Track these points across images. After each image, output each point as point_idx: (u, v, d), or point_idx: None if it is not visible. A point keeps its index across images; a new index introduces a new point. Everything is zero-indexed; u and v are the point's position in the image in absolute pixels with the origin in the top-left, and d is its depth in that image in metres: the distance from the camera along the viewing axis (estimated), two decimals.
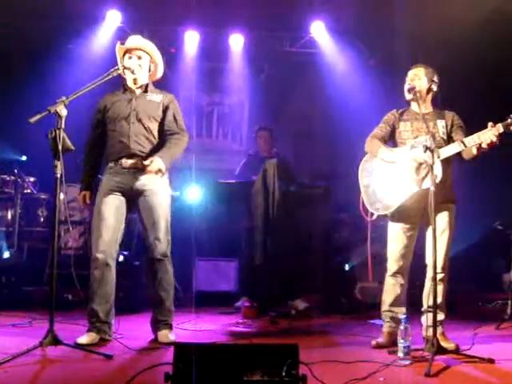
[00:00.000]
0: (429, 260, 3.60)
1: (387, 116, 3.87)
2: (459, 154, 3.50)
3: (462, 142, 3.39)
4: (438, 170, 3.38)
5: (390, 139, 3.84)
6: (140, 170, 3.69)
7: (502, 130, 3.24)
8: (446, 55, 6.41)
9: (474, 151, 3.39)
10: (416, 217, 3.69)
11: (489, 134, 3.26)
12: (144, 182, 3.72)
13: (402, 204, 3.62)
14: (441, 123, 3.67)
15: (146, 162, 3.62)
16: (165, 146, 3.76)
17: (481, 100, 6.17)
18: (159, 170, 3.64)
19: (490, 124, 3.28)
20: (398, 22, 6.41)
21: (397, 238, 3.72)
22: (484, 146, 3.30)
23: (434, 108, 3.80)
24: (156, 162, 3.61)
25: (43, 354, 3.17)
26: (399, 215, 3.69)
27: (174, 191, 4.43)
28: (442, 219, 3.61)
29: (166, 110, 3.84)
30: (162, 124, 3.83)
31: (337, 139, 7.07)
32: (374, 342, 3.65)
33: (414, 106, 3.80)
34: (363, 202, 3.83)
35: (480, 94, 6.38)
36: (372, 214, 3.79)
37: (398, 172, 3.65)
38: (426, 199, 3.36)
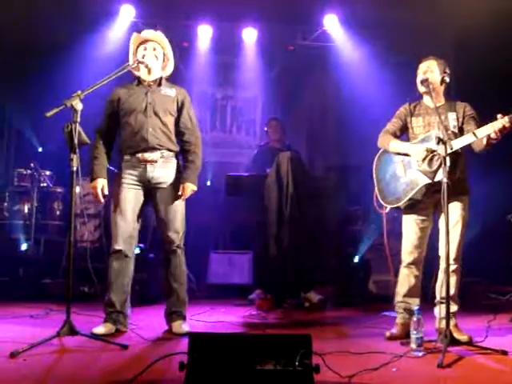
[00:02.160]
0: (442, 252, 3.61)
1: (399, 110, 3.89)
2: (470, 145, 3.50)
3: (474, 134, 3.38)
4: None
5: (403, 134, 3.86)
6: (156, 163, 3.74)
7: (508, 122, 3.23)
8: (460, 49, 6.40)
9: (484, 142, 3.38)
10: (429, 208, 3.71)
11: (498, 125, 3.26)
12: (161, 175, 3.76)
13: (413, 196, 3.63)
14: (452, 116, 3.66)
15: (179, 193, 3.77)
16: (188, 162, 3.87)
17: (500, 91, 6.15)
18: (193, 191, 3.82)
19: (499, 116, 3.28)
20: (413, 15, 6.36)
21: (410, 229, 3.74)
22: (493, 135, 3.29)
23: (446, 100, 3.80)
24: (187, 190, 3.78)
25: (60, 344, 3.24)
26: (412, 207, 3.71)
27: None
28: (455, 211, 3.61)
29: (181, 106, 3.88)
30: (177, 120, 3.87)
31: (349, 132, 7.06)
32: (387, 334, 3.67)
33: (426, 99, 3.80)
34: (377, 196, 3.86)
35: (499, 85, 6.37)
36: (386, 207, 3.82)
37: (409, 165, 3.67)
38: (438, 191, 3.37)
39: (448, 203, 3.30)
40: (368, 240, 5.65)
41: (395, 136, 3.82)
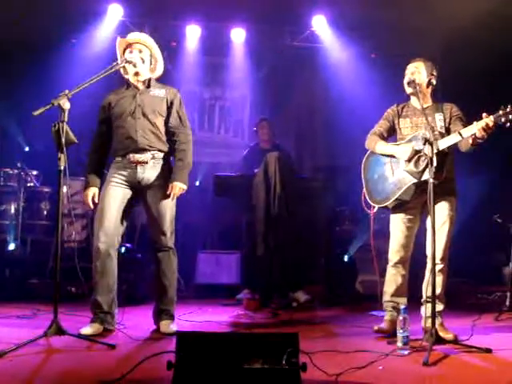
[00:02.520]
0: (429, 251, 3.65)
1: (387, 112, 3.93)
2: (457, 145, 3.53)
3: (459, 133, 3.41)
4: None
5: (391, 135, 3.89)
6: (146, 164, 3.74)
7: (492, 120, 3.26)
8: (448, 50, 6.45)
9: (470, 141, 3.42)
10: (416, 208, 3.75)
11: (482, 124, 3.29)
12: (150, 176, 3.76)
13: (400, 195, 3.66)
14: (439, 117, 3.70)
15: (167, 193, 3.73)
16: (176, 161, 3.85)
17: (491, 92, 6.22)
18: (182, 189, 3.78)
19: (484, 115, 3.31)
20: (401, 16, 6.41)
21: (398, 228, 3.78)
22: (478, 135, 3.33)
23: (433, 102, 3.83)
24: (175, 189, 3.74)
25: (47, 344, 3.23)
26: (400, 207, 3.75)
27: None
28: (442, 211, 3.65)
29: (170, 106, 3.88)
30: (167, 119, 3.87)
31: (338, 133, 7.09)
32: (375, 327, 3.72)
33: (413, 100, 3.84)
34: (365, 196, 3.89)
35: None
36: (374, 207, 3.85)
37: (397, 165, 3.71)
38: (425, 191, 3.39)
39: (435, 203, 3.34)
40: (357, 240, 5.69)
41: (382, 138, 3.85)
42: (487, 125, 3.26)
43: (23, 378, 2.61)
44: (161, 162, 3.81)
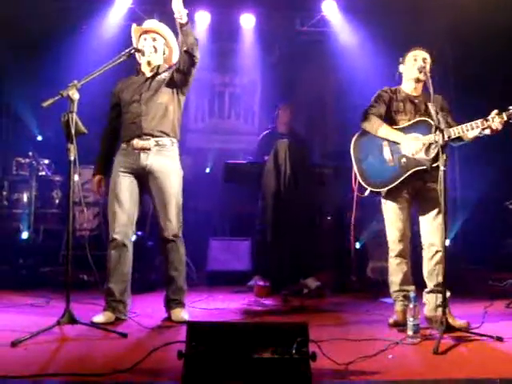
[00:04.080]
0: (425, 241, 3.68)
1: (380, 94, 3.85)
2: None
3: (483, 121, 3.41)
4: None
5: (386, 117, 3.84)
6: (149, 150, 3.74)
7: (505, 118, 3.32)
8: (457, 33, 6.36)
9: (476, 133, 3.45)
10: (409, 194, 3.73)
11: (495, 122, 3.32)
12: (154, 162, 3.76)
13: (400, 182, 3.65)
14: (432, 107, 3.65)
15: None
16: None
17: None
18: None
19: (495, 112, 3.34)
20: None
21: (395, 218, 3.75)
22: (489, 132, 3.35)
23: (423, 92, 3.83)
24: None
25: (61, 333, 3.27)
26: (395, 194, 3.72)
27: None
28: (437, 200, 3.60)
29: (172, 70, 3.86)
30: (173, 81, 3.83)
31: (348, 119, 7.02)
32: (391, 321, 3.69)
33: (406, 86, 3.83)
34: (355, 176, 3.84)
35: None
36: (364, 190, 3.80)
37: (397, 150, 3.68)
38: (419, 179, 3.47)
39: (430, 191, 3.35)
40: (369, 226, 5.67)
41: (382, 119, 3.78)
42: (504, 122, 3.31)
43: (38, 366, 2.65)
44: (166, 149, 3.80)
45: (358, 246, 5.72)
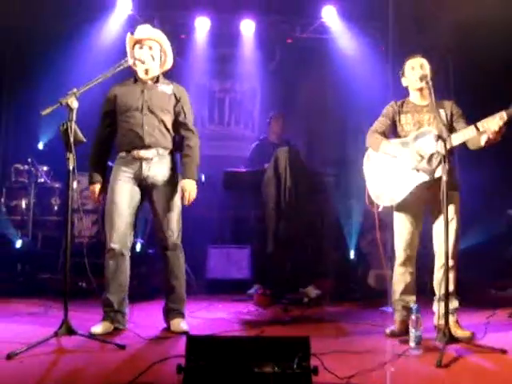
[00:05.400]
0: (438, 248, 3.63)
1: (386, 109, 3.85)
2: (464, 142, 3.48)
3: (476, 127, 3.34)
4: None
5: (391, 132, 3.83)
6: (151, 160, 3.71)
7: (505, 117, 3.22)
8: (461, 40, 6.33)
9: (482, 143, 3.37)
10: (419, 205, 3.70)
11: (496, 120, 3.23)
12: (156, 173, 3.73)
13: (407, 195, 3.62)
14: (442, 113, 3.64)
15: (178, 194, 3.77)
16: (183, 158, 3.82)
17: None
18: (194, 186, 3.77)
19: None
20: (410, 7, 6.30)
21: (403, 227, 3.73)
22: (490, 135, 3.28)
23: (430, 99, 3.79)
24: (186, 186, 3.74)
25: (58, 344, 3.22)
26: (404, 205, 3.69)
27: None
28: (449, 208, 3.57)
29: (177, 104, 3.84)
30: (175, 117, 3.83)
31: (348, 126, 7.03)
32: (388, 331, 3.66)
33: (413, 96, 3.80)
34: (369, 194, 3.84)
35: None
36: (378, 206, 3.80)
37: (401, 165, 3.66)
38: (429, 188, 3.40)
39: (439, 201, 3.31)
40: (368, 234, 5.64)
41: (384, 135, 3.79)
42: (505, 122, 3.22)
43: (34, 379, 2.61)
44: (166, 159, 3.78)
45: (357, 253, 5.70)
